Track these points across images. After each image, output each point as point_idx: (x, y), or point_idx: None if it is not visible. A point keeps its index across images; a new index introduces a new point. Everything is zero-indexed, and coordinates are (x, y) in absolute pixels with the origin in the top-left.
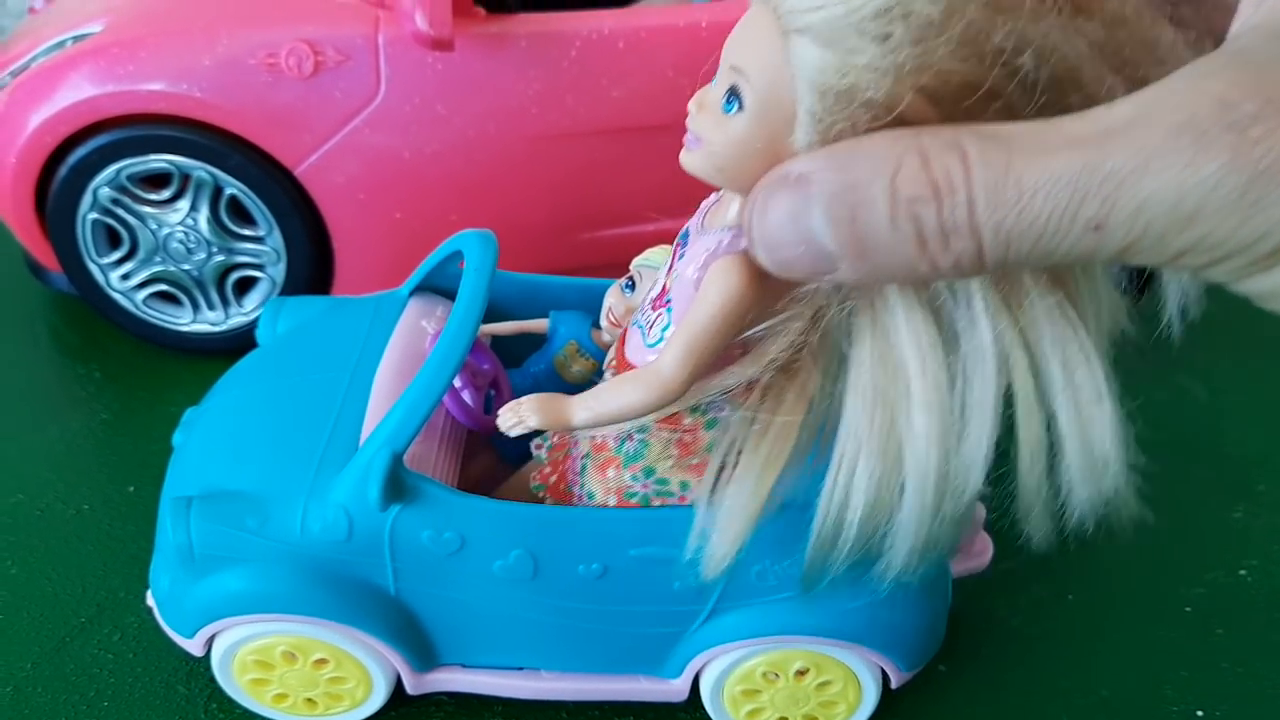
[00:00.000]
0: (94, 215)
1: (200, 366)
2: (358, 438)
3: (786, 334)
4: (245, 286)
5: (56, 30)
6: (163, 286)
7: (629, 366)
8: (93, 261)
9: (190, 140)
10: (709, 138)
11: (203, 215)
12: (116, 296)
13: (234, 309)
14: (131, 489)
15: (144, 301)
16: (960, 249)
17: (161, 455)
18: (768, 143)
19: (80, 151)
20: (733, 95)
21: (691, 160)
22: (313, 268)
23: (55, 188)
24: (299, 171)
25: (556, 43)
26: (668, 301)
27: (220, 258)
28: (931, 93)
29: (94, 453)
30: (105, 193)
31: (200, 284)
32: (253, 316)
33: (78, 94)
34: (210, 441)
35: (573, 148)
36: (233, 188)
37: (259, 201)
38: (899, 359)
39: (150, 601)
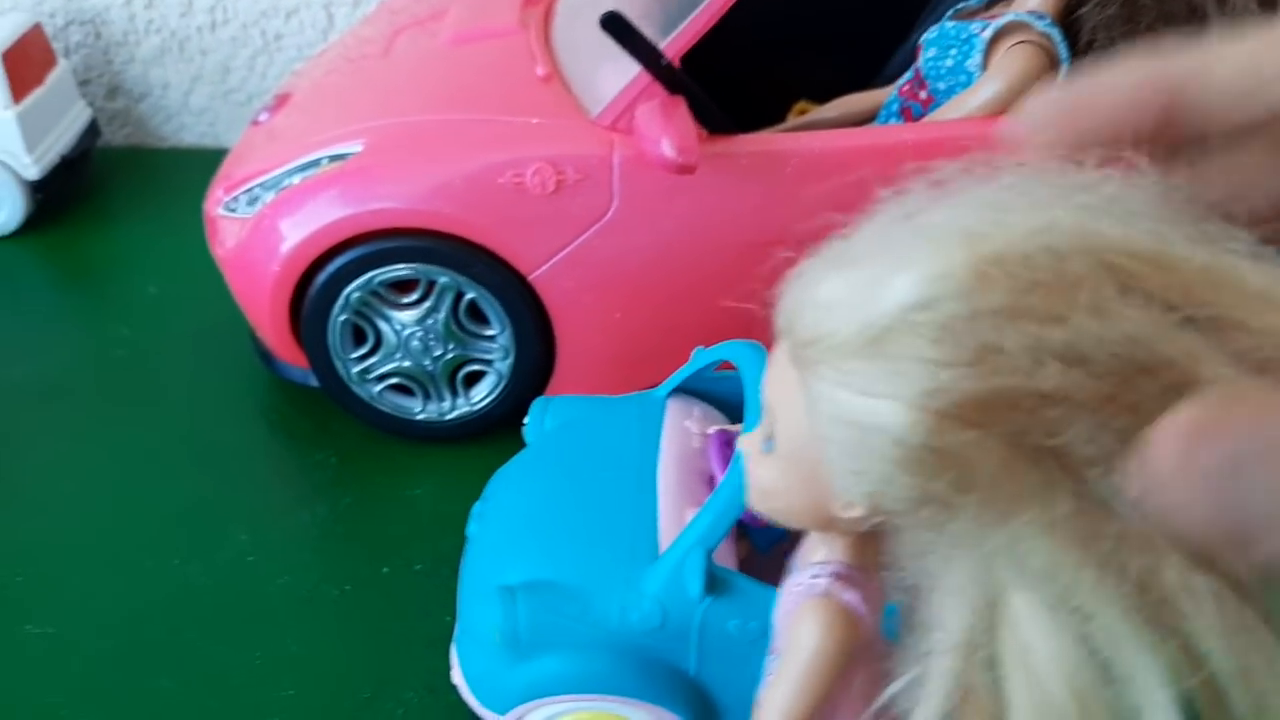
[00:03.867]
0: (344, 317)
1: (427, 452)
2: (654, 534)
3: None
4: (472, 379)
5: (304, 148)
6: (399, 379)
7: None
8: (339, 358)
9: (439, 250)
10: (754, 476)
11: (443, 316)
12: (355, 389)
13: (461, 400)
14: (386, 570)
15: (379, 393)
16: None
17: (405, 538)
18: (806, 484)
19: (339, 261)
20: (770, 434)
21: (749, 498)
22: (537, 363)
23: (313, 293)
24: (533, 277)
25: (773, 161)
26: (776, 650)
27: (454, 354)
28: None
29: (344, 536)
30: (357, 297)
31: (433, 377)
32: (478, 407)
33: (342, 210)
34: (513, 533)
35: (780, 253)
36: (473, 291)
37: (496, 304)
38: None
39: (457, 679)
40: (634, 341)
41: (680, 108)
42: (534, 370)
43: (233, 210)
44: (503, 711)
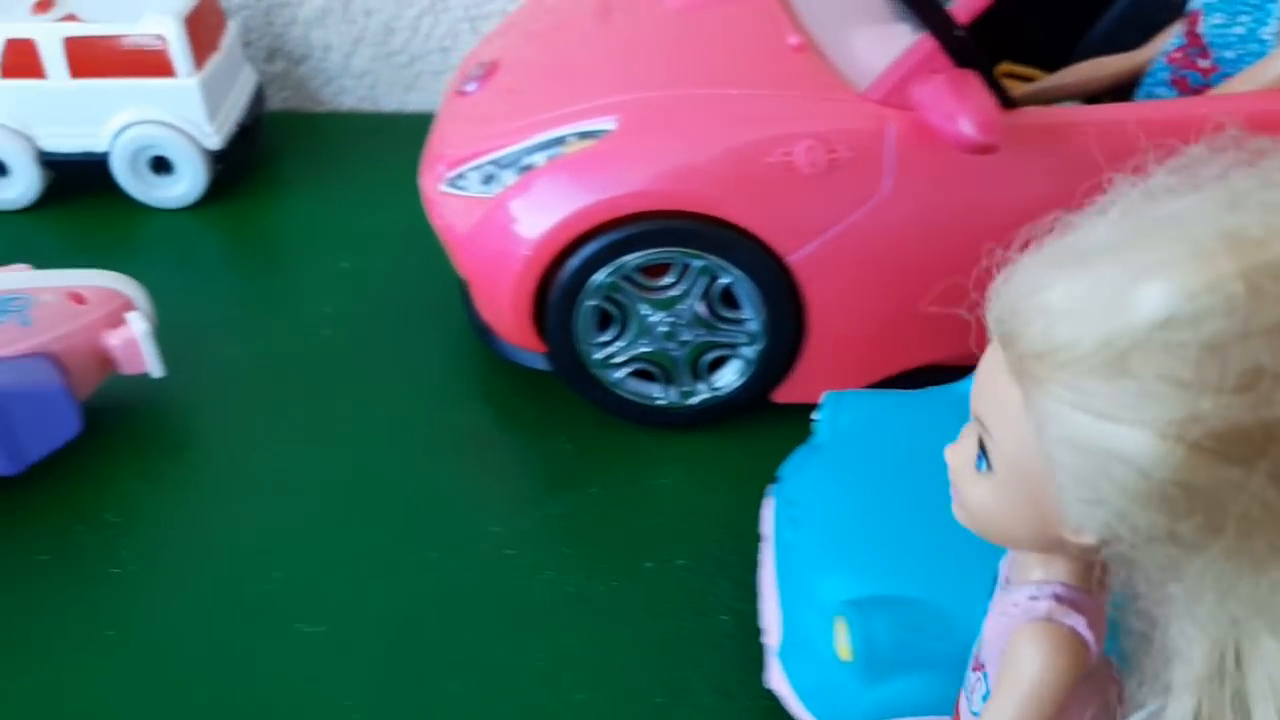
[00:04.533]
0: (592, 302)
1: (667, 439)
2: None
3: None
4: (715, 364)
5: (543, 124)
6: (640, 365)
7: None
8: (583, 344)
9: (698, 233)
10: (964, 494)
11: (695, 302)
12: (595, 374)
13: (703, 385)
14: (649, 565)
15: (619, 379)
16: None
17: (661, 532)
18: (1028, 508)
19: (594, 246)
20: (982, 451)
21: (958, 516)
22: (786, 349)
23: (563, 279)
24: (791, 260)
25: (1066, 135)
26: (983, 664)
27: (702, 340)
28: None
29: (597, 528)
30: (608, 282)
31: (676, 363)
32: (721, 393)
33: (600, 193)
34: (843, 542)
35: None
36: (729, 276)
37: (753, 289)
38: None
39: (776, 686)
40: (888, 326)
41: (974, 81)
42: (781, 356)
43: (461, 188)
44: None
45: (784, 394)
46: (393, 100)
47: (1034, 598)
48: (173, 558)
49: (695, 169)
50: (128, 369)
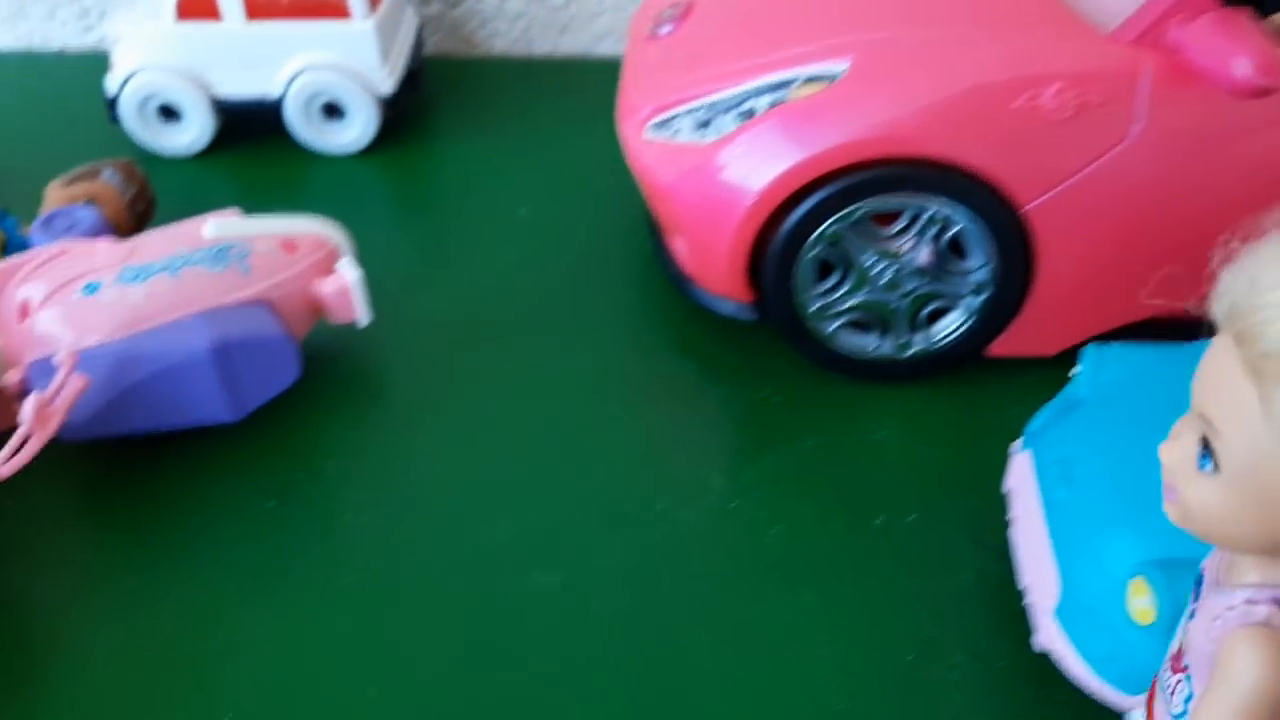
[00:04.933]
0: (817, 252)
1: (878, 392)
2: None
3: None
4: (934, 316)
5: (765, 67)
6: (857, 316)
7: None
8: (802, 295)
9: (935, 180)
10: (1183, 493)
11: (924, 250)
12: (809, 325)
13: (919, 337)
14: (878, 521)
15: (834, 331)
16: None
17: (886, 487)
18: (1257, 510)
19: (824, 192)
20: (1206, 449)
21: (1171, 513)
22: (1011, 301)
23: (788, 227)
24: (1028, 208)
25: None
26: (1185, 666)
27: (925, 290)
28: None
29: (819, 482)
30: (835, 230)
31: (895, 314)
32: (938, 344)
33: (834, 138)
34: (1131, 501)
35: None
36: (962, 223)
37: (987, 237)
38: None
39: (1052, 647)
40: (1117, 279)
41: (1246, 21)
42: (1006, 308)
43: (670, 135)
44: (1137, 692)
45: (1000, 347)
46: (545, 44)
47: (1251, 601)
48: (398, 507)
49: (936, 113)
50: (337, 317)
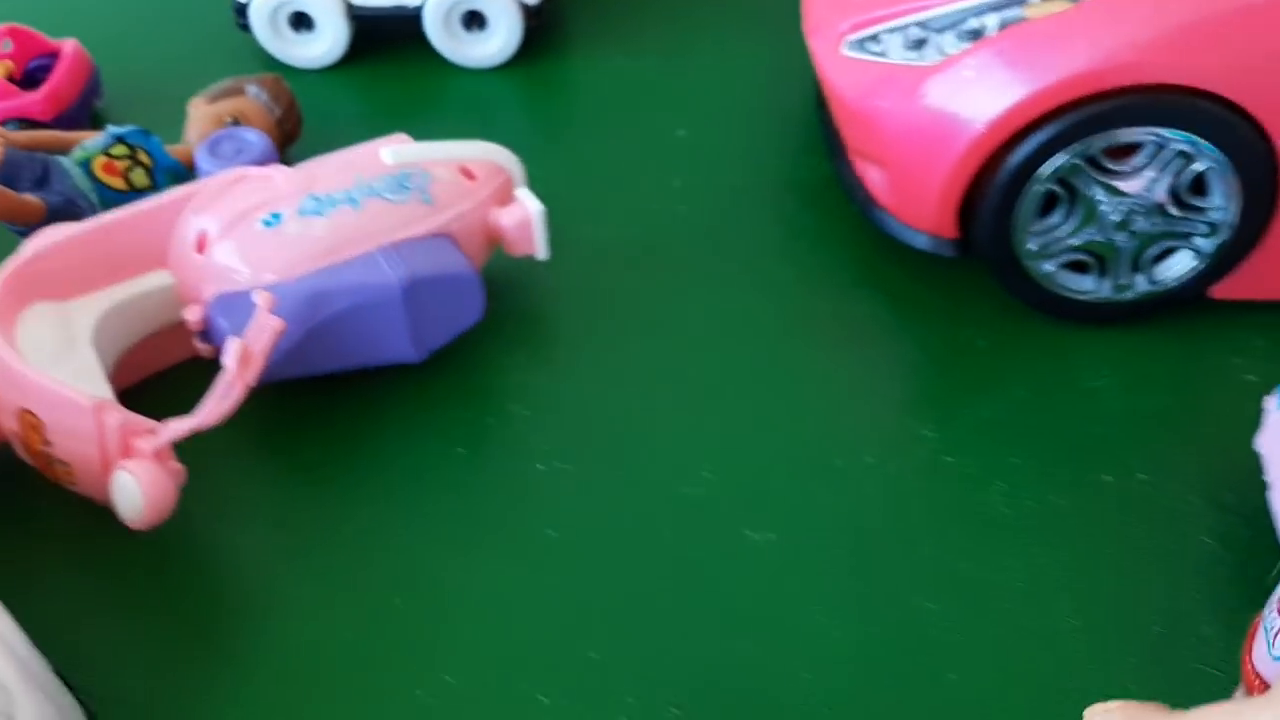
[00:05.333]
0: (1043, 186)
1: (1091, 337)
2: None
3: None
4: (1159, 257)
5: None
6: (1077, 256)
7: (1255, 675)
8: (1020, 231)
9: (1186, 111)
10: None
11: (1163, 187)
12: (1025, 263)
13: (1141, 278)
14: (1108, 479)
15: (1051, 271)
16: None
17: (1107, 440)
18: None
19: (1061, 123)
20: None
21: None
22: (1247, 242)
23: (1017, 159)
24: None
25: None
26: None
27: (1157, 229)
28: None
29: (1034, 434)
30: (1067, 163)
31: (1120, 254)
32: (1161, 287)
33: (1077, 64)
34: None
35: None
36: (1207, 161)
37: (1234, 176)
38: None
39: None
40: None
41: None
42: (1240, 250)
43: (875, 53)
44: None
45: (1226, 289)
46: None
47: None
48: (591, 456)
49: (1199, 38)
50: (515, 250)
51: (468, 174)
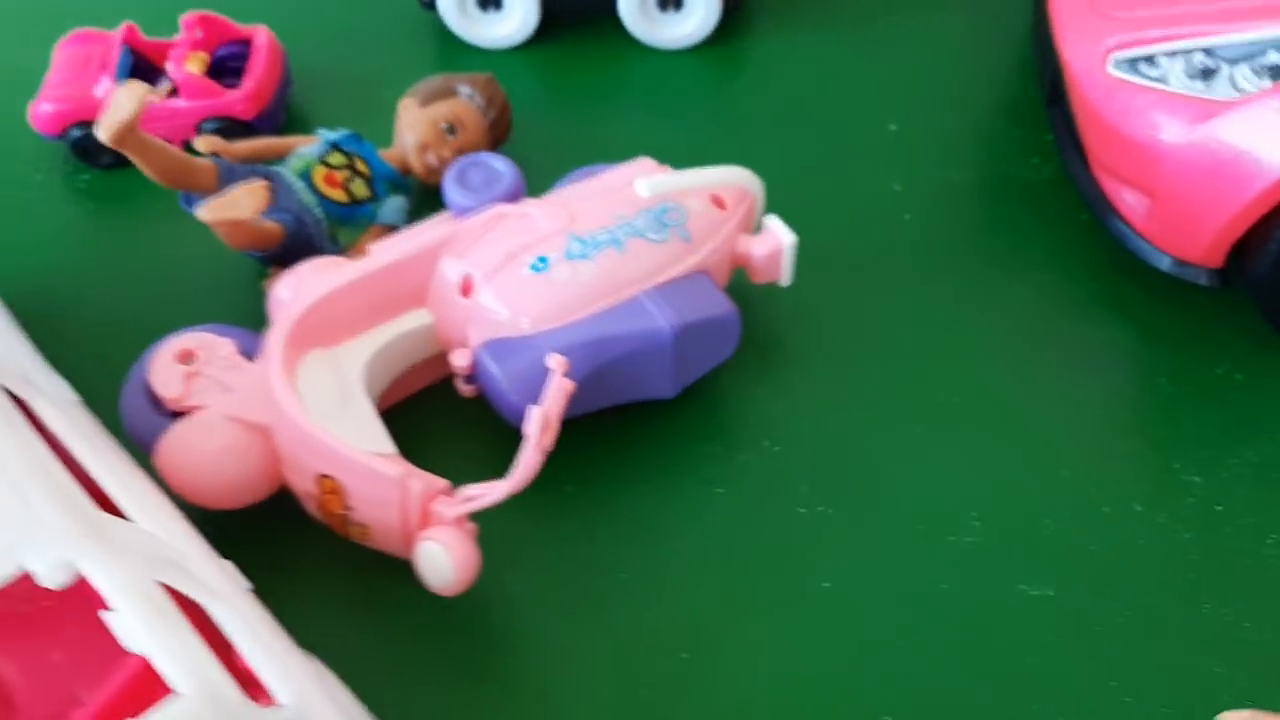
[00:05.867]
0: None
1: None
2: None
3: None
4: None
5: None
6: None
7: None
8: None
9: None
10: None
11: None
12: None
13: None
14: None
15: None
16: None
17: None
18: None
19: None
20: None
21: None
22: None
23: None
24: None
25: None
26: None
27: None
28: None
29: None
30: None
31: None
32: None
33: None
34: None
35: None
36: None
37: None
38: None
39: None
40: None
41: None
42: None
43: (1152, 77)
44: None
45: None
46: None
47: None
48: (852, 497)
49: None
50: (759, 278)
51: (718, 203)
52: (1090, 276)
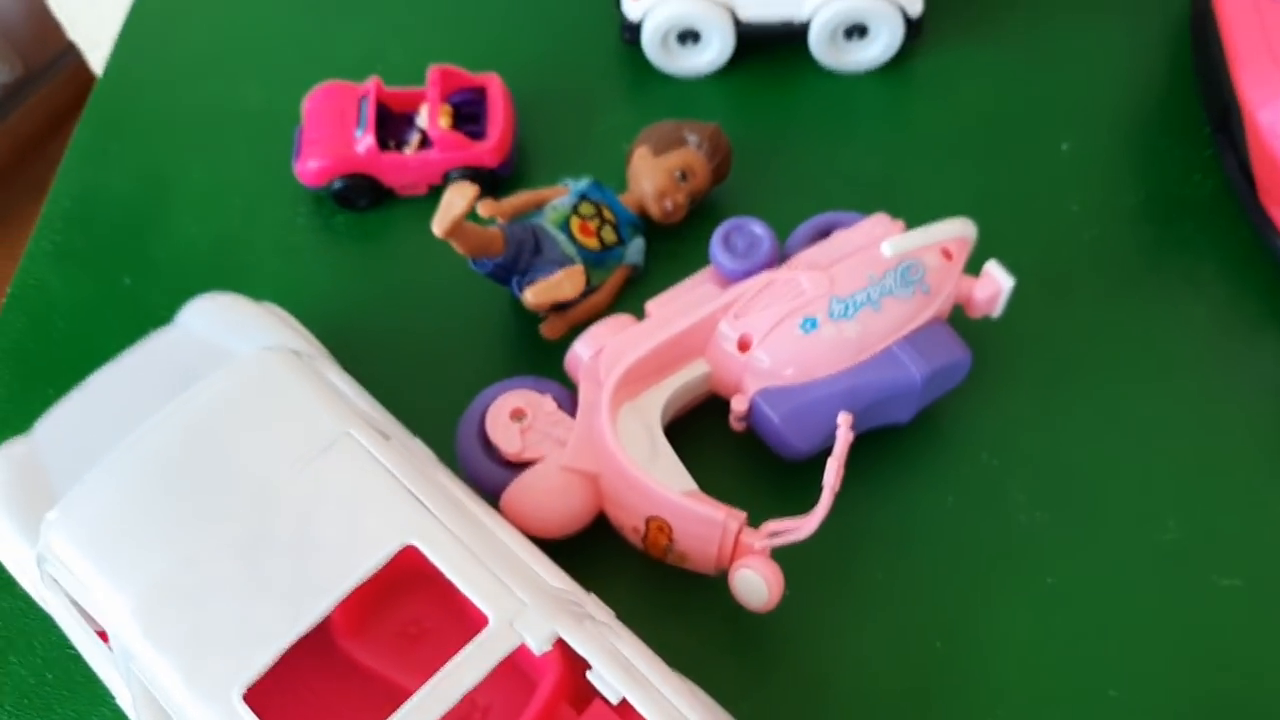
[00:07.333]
0: None
1: None
2: None
3: None
4: None
5: None
6: None
7: None
8: None
9: None
10: None
11: None
12: None
13: None
14: None
15: None
16: None
17: None
18: None
19: None
20: None
21: None
22: None
23: None
24: None
25: None
26: None
27: None
28: None
29: None
30: None
31: None
32: None
33: None
34: None
35: None
36: None
37: None
38: None
39: None
40: None
41: None
42: None
43: None
44: None
45: None
46: None
47: None
48: (1064, 505)
49: None
50: (974, 314)
51: (946, 254)
52: (1259, 293)
